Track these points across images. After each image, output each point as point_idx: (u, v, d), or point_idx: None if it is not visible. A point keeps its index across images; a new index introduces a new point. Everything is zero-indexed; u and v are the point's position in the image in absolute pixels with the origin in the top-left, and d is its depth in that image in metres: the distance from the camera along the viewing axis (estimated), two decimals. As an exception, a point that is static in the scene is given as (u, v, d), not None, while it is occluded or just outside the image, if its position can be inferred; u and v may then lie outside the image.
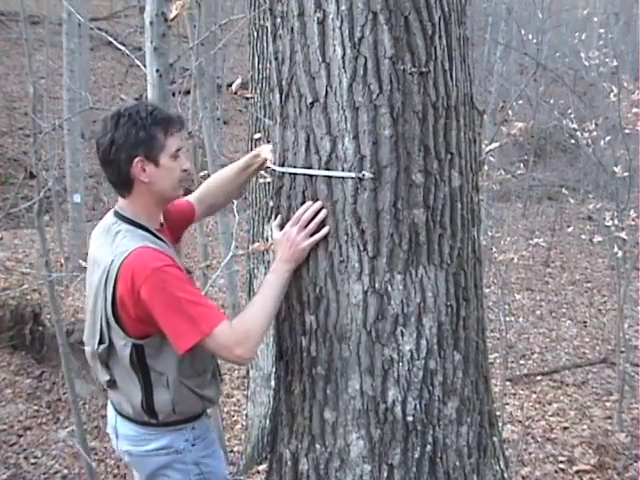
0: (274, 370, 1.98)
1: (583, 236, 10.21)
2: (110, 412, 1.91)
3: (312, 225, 1.70)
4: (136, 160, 1.67)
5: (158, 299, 1.61)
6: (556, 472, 4.45)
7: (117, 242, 1.69)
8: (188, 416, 1.83)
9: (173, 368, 1.74)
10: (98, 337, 1.73)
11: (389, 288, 1.68)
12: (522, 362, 6.49)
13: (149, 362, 1.73)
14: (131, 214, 1.74)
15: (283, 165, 1.79)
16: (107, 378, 1.80)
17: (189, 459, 1.84)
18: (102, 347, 1.73)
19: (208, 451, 1.89)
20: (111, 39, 3.58)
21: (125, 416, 1.84)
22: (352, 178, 1.65)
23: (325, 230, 1.70)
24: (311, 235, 1.71)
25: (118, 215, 1.75)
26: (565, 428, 5.08)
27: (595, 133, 5.58)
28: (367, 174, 1.64)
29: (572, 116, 6.06)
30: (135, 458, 1.86)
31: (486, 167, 5.31)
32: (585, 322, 7.62)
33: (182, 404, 1.79)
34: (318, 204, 1.70)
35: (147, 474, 1.87)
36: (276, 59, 1.77)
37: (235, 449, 5.31)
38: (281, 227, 1.80)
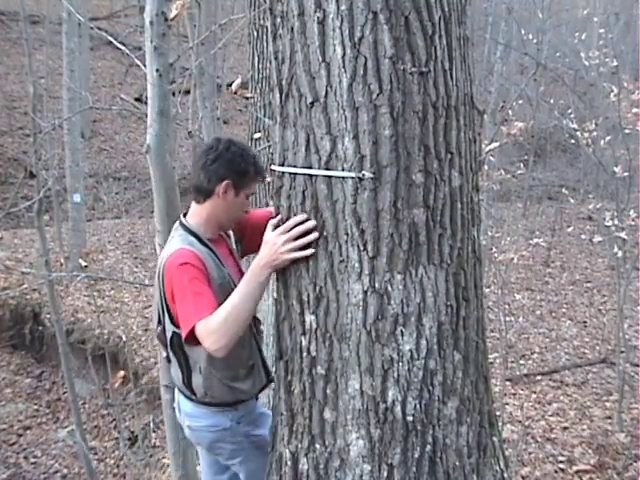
0: (274, 370, 2.01)
1: (583, 236, 10.21)
2: (176, 390, 2.22)
3: (298, 243, 1.73)
4: (226, 181, 1.97)
5: (176, 290, 1.89)
6: (556, 472, 4.46)
7: (170, 244, 2.02)
8: (220, 401, 2.08)
9: (204, 358, 1.99)
10: (157, 319, 2.06)
11: (389, 288, 1.68)
12: (522, 362, 6.49)
13: (186, 349, 2.00)
14: (191, 223, 2.04)
15: (283, 165, 1.80)
16: (164, 354, 2.12)
17: (238, 433, 2.13)
18: (159, 328, 2.06)
19: (256, 424, 2.16)
20: (111, 39, 3.58)
21: (181, 392, 2.15)
22: (352, 178, 1.65)
23: (308, 252, 1.72)
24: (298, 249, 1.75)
25: (180, 223, 2.07)
26: (565, 428, 5.08)
27: (595, 133, 5.57)
28: (367, 174, 1.64)
29: (572, 116, 6.05)
30: (194, 432, 2.18)
31: (486, 167, 5.31)
32: (585, 322, 7.61)
33: (212, 391, 2.05)
34: (312, 223, 1.72)
35: (205, 446, 2.23)
36: (276, 59, 1.77)
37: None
38: (276, 227, 1.81)
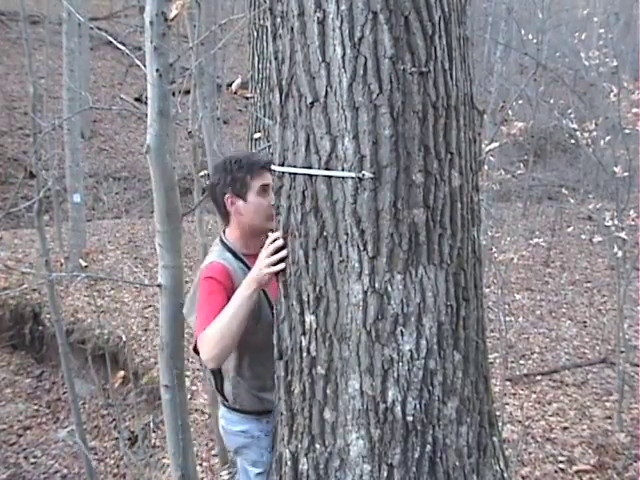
0: (274, 370, 2.03)
1: (583, 236, 10.20)
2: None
3: (274, 258, 1.83)
4: (226, 197, 2.11)
5: (198, 302, 2.02)
6: (556, 472, 4.45)
7: (207, 257, 2.16)
8: (250, 409, 2.17)
9: (232, 367, 2.11)
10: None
11: (389, 288, 1.68)
12: (522, 362, 6.49)
13: None
14: (228, 239, 2.17)
15: (283, 165, 1.80)
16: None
17: (264, 444, 2.20)
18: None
19: None
20: (111, 39, 3.56)
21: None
22: (352, 178, 1.65)
23: (280, 266, 1.82)
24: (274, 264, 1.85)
25: (220, 239, 2.20)
26: (565, 428, 5.08)
27: (595, 133, 5.56)
28: (367, 174, 1.64)
29: (572, 116, 6.04)
30: (226, 434, 2.30)
31: (486, 167, 5.31)
32: (585, 322, 7.60)
33: (241, 399, 2.16)
34: (279, 242, 1.82)
35: (233, 449, 2.35)
36: (276, 59, 1.77)
37: (235, 449, 5.30)
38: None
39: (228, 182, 2.11)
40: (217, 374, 2.18)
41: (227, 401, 2.22)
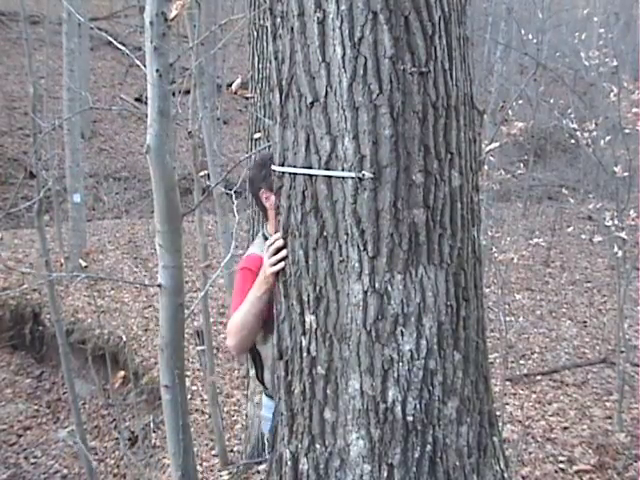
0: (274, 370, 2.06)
1: (583, 236, 10.21)
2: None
3: (274, 259, 1.88)
4: (261, 191, 2.22)
5: (234, 289, 2.18)
6: (556, 472, 4.45)
7: (249, 249, 2.30)
8: None
9: (271, 355, 2.12)
10: None
11: (389, 288, 1.68)
12: (522, 362, 6.49)
13: (258, 347, 2.20)
14: (268, 232, 2.24)
15: (283, 165, 1.80)
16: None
17: None
18: None
19: None
20: (111, 39, 3.55)
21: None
22: (352, 178, 1.65)
23: (280, 265, 1.85)
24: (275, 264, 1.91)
25: (262, 232, 2.31)
26: (565, 428, 5.08)
27: (595, 133, 5.56)
28: (367, 174, 1.64)
29: (572, 116, 6.03)
30: (263, 421, 2.35)
31: (486, 167, 5.31)
32: (585, 322, 7.61)
33: None
34: (280, 242, 1.85)
35: (266, 437, 2.35)
36: (276, 59, 1.77)
37: (235, 449, 5.31)
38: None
39: (262, 177, 2.20)
40: (258, 362, 2.27)
41: (267, 389, 2.31)
